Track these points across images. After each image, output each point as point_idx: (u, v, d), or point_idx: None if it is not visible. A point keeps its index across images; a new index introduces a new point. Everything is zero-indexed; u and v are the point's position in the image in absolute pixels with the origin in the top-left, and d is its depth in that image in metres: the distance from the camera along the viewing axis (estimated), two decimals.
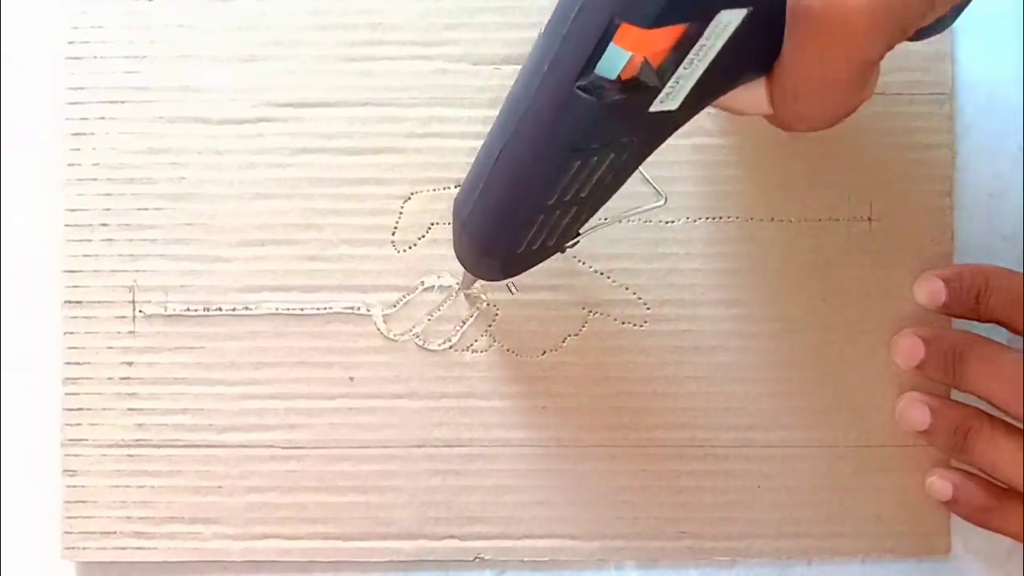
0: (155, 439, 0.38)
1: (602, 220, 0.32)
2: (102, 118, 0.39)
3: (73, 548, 0.38)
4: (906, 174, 0.39)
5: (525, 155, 0.27)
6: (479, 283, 0.38)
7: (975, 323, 0.38)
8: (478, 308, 0.39)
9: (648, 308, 0.39)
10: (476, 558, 0.38)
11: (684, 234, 0.39)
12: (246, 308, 0.39)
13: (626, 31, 0.23)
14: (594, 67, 0.24)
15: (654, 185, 0.35)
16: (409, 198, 0.39)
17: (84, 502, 0.38)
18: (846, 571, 0.39)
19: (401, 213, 0.39)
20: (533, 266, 0.33)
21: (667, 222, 0.39)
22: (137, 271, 0.39)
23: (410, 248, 0.39)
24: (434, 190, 0.39)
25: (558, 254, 0.32)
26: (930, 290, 0.37)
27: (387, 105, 0.39)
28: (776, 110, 0.28)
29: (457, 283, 0.39)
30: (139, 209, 0.39)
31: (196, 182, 0.39)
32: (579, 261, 0.39)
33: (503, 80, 0.39)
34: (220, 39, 0.39)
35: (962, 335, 0.37)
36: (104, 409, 0.38)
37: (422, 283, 0.39)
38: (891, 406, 0.38)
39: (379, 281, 0.39)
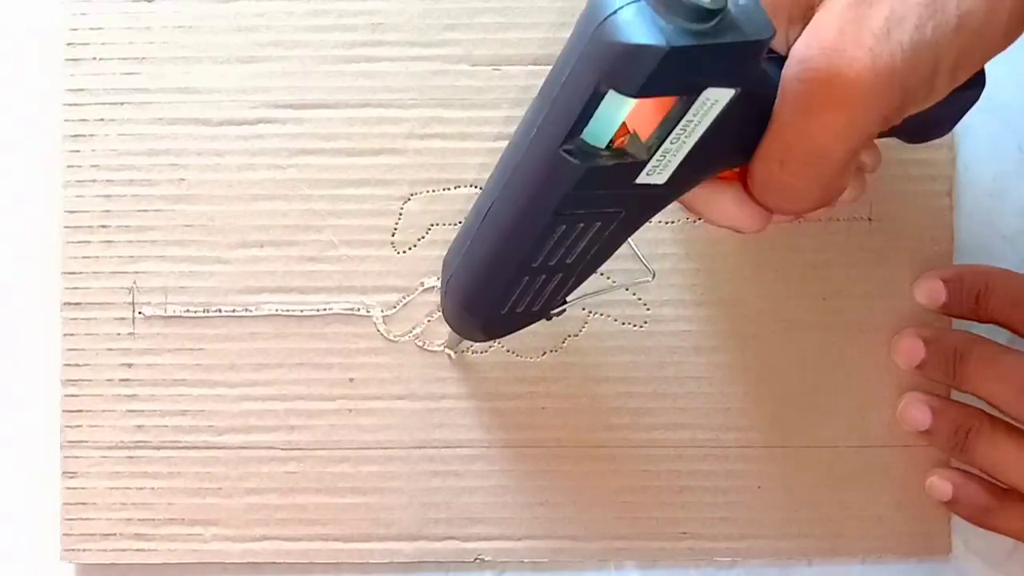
0: (155, 441, 0.38)
1: (589, 292, 0.32)
2: (101, 120, 0.39)
3: (73, 550, 0.38)
4: (906, 174, 0.39)
5: (512, 214, 0.27)
6: (464, 343, 0.38)
7: (975, 324, 0.37)
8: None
9: (648, 309, 0.39)
10: (476, 559, 0.38)
11: (684, 235, 0.39)
12: (246, 309, 0.39)
13: (613, 99, 0.23)
14: (581, 132, 0.24)
15: (643, 261, 0.35)
16: (408, 199, 0.39)
17: (84, 504, 0.38)
18: (846, 571, 0.39)
19: (401, 214, 0.39)
20: (517, 330, 0.33)
21: (667, 222, 0.39)
22: (137, 272, 0.39)
23: (410, 249, 0.39)
24: (433, 191, 0.39)
25: (544, 320, 0.32)
26: (930, 290, 0.37)
27: (386, 106, 0.39)
28: (756, 184, 0.27)
29: None
30: (138, 210, 0.39)
31: (196, 183, 0.39)
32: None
33: (502, 81, 0.39)
34: (219, 40, 0.39)
35: (962, 335, 0.37)
36: (104, 411, 0.38)
37: (422, 284, 0.39)
38: (891, 406, 0.38)
39: (379, 282, 0.39)
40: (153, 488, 0.38)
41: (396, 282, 0.39)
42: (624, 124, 0.25)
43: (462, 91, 0.39)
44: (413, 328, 0.39)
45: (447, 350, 0.39)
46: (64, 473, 0.38)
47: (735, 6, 0.22)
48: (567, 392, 0.39)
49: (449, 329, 0.36)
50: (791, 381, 0.39)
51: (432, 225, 0.39)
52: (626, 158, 0.25)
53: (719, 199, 0.28)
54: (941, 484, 0.38)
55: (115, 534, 0.38)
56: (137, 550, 0.38)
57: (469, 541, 0.38)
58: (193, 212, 0.39)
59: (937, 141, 0.38)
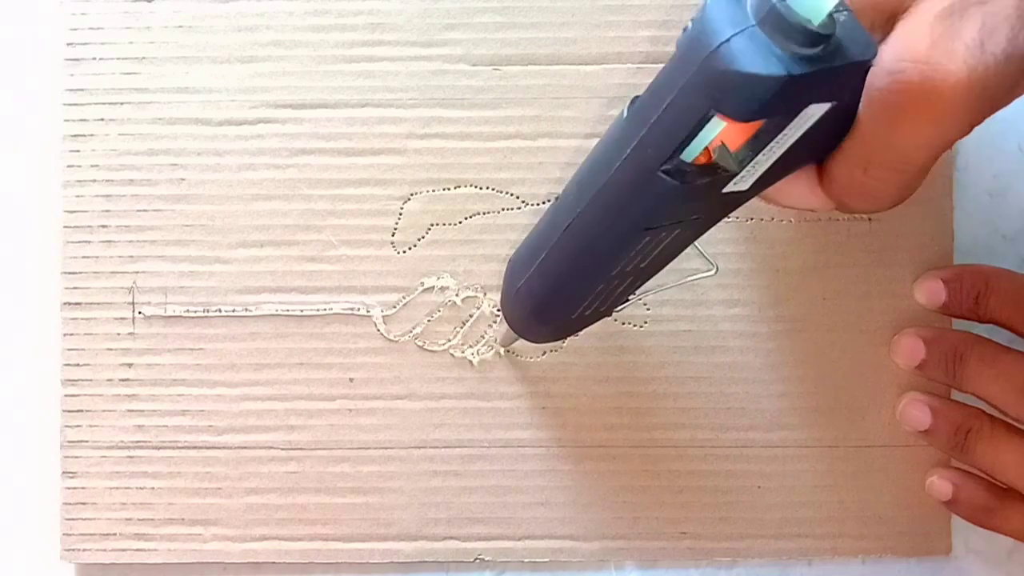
0: (155, 440, 0.38)
1: (654, 287, 0.32)
2: (101, 119, 0.39)
3: (73, 550, 0.38)
4: None
5: (596, 230, 0.28)
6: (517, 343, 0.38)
7: (975, 325, 0.37)
8: (476, 308, 0.39)
9: (648, 308, 0.39)
10: (476, 559, 0.38)
11: None
12: (246, 309, 0.39)
13: (718, 122, 0.23)
14: (680, 153, 0.25)
15: (706, 256, 0.35)
16: (409, 199, 0.39)
17: (84, 504, 0.38)
18: (846, 571, 0.39)
19: (401, 214, 0.39)
20: (581, 330, 0.33)
21: None
22: (136, 272, 0.39)
23: (410, 249, 0.39)
24: (433, 191, 0.39)
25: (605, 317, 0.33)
26: (930, 290, 0.37)
27: (386, 106, 0.39)
28: (836, 186, 0.27)
29: (457, 285, 0.39)
30: (138, 210, 0.39)
31: (195, 183, 0.39)
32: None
33: (502, 80, 0.39)
34: (219, 40, 0.39)
35: (963, 335, 0.37)
36: (104, 411, 0.38)
37: (422, 284, 0.39)
38: (892, 406, 0.38)
39: (379, 282, 0.39)
40: (153, 488, 0.38)
41: (396, 282, 0.39)
42: None
43: (462, 91, 0.39)
44: (413, 328, 0.39)
45: (499, 347, 0.39)
46: (64, 473, 0.38)
47: (839, 26, 0.23)
48: (567, 392, 0.39)
49: (506, 329, 0.36)
50: (791, 381, 0.39)
51: (432, 225, 0.39)
52: (719, 172, 0.25)
53: (792, 187, 0.29)
54: (941, 484, 0.38)
55: (115, 534, 0.38)
56: (137, 550, 0.38)
57: (469, 541, 0.38)
58: (193, 212, 0.39)
59: None
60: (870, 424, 0.39)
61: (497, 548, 0.38)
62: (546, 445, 0.39)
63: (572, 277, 0.30)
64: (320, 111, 0.39)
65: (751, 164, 0.25)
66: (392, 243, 0.39)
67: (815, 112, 0.24)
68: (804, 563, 0.39)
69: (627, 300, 0.32)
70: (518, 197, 0.39)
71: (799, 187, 0.28)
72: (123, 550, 0.38)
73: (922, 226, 0.39)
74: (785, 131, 0.24)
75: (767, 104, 0.22)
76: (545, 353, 0.39)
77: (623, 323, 0.39)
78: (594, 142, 0.38)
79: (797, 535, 0.38)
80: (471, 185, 0.39)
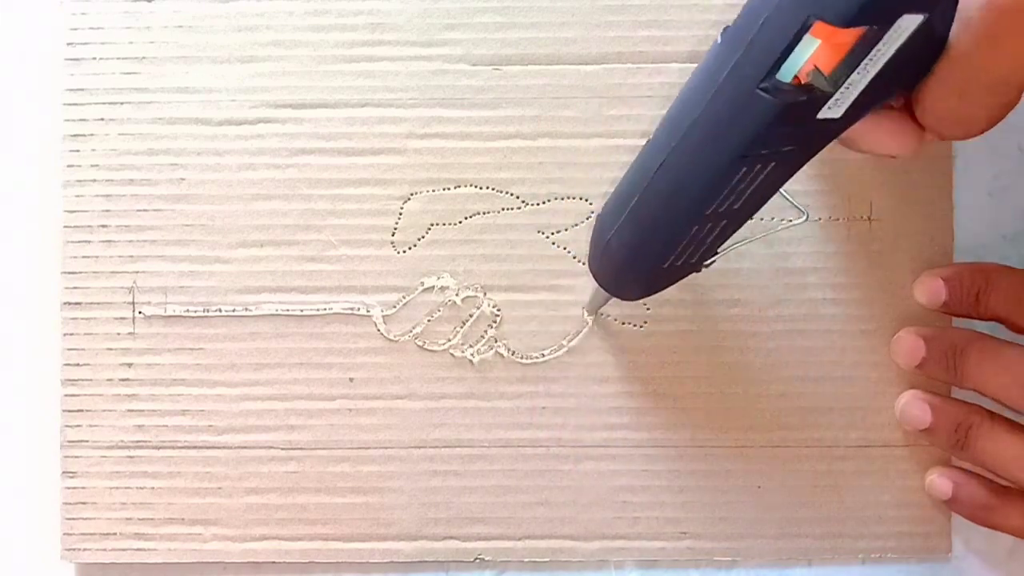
0: (155, 440, 0.38)
1: (742, 239, 0.32)
2: (101, 119, 0.39)
3: (73, 549, 0.38)
4: (906, 173, 0.39)
5: (692, 163, 0.28)
6: (605, 307, 0.38)
7: (976, 323, 0.37)
8: (476, 308, 0.39)
9: (648, 308, 0.39)
10: (476, 559, 0.38)
11: None
12: (246, 309, 0.39)
13: (818, 31, 0.24)
14: (779, 69, 0.25)
15: (794, 203, 0.35)
16: (409, 199, 0.39)
17: (84, 503, 0.38)
18: (847, 572, 0.39)
19: (401, 214, 0.39)
20: (670, 285, 0.33)
21: None
22: (136, 272, 0.39)
23: (410, 249, 0.39)
24: (434, 191, 0.39)
25: (694, 273, 0.33)
26: (930, 289, 0.37)
27: (386, 106, 0.39)
28: (930, 115, 0.28)
29: (457, 284, 0.39)
30: (138, 210, 0.39)
31: (195, 183, 0.39)
32: (579, 262, 0.39)
33: (502, 80, 0.39)
34: (219, 40, 0.39)
35: (962, 332, 0.37)
36: (104, 410, 0.38)
37: (422, 284, 0.39)
38: (891, 406, 0.38)
39: (379, 282, 0.39)
40: (153, 488, 0.38)
41: (396, 282, 0.39)
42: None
43: (462, 90, 0.39)
44: (413, 328, 0.39)
45: (586, 314, 0.38)
46: (64, 473, 0.38)
47: None
48: (567, 392, 0.39)
49: (594, 290, 0.36)
50: (791, 380, 0.39)
51: (432, 225, 0.39)
52: (815, 92, 0.25)
53: (876, 129, 0.29)
54: (941, 483, 0.38)
55: (115, 533, 0.38)
56: (137, 550, 0.38)
57: (469, 541, 0.38)
58: (193, 212, 0.39)
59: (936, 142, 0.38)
60: (870, 424, 0.39)
61: (497, 548, 0.38)
62: (546, 445, 0.39)
63: (666, 220, 0.29)
64: (320, 111, 0.39)
65: (845, 85, 0.25)
66: (392, 243, 0.39)
67: (908, 25, 0.24)
68: (804, 564, 0.39)
69: (716, 253, 0.32)
70: (518, 197, 0.39)
71: (883, 130, 0.29)
72: (123, 550, 0.38)
73: (922, 226, 0.39)
74: (878, 47, 0.24)
75: (865, 6, 0.23)
76: (545, 353, 0.39)
77: (623, 323, 0.39)
78: (595, 142, 0.38)
79: (797, 535, 0.38)
80: (471, 185, 0.39)
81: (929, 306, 0.38)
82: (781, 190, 0.30)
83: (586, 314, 0.39)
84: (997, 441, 0.36)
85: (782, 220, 0.38)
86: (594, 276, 0.34)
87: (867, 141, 0.29)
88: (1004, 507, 0.37)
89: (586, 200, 0.39)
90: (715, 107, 0.27)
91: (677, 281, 0.33)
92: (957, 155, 0.39)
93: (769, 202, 0.30)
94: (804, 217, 0.37)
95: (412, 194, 0.39)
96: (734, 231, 0.31)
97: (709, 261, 0.32)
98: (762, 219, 0.38)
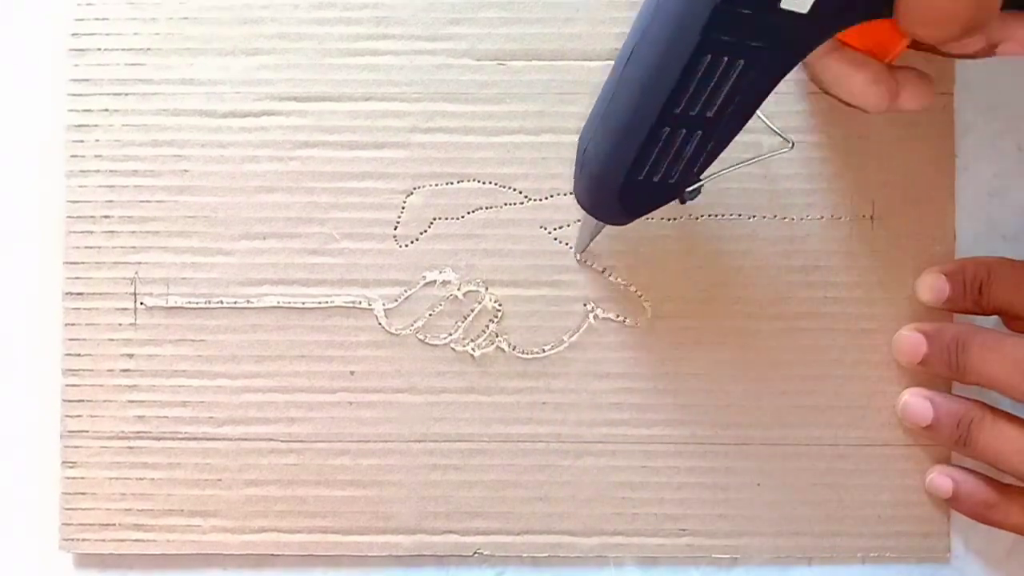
0: (155, 431, 0.38)
1: (724, 169, 0.32)
2: (105, 110, 0.39)
3: (71, 540, 0.38)
4: (908, 173, 0.39)
5: (655, 52, 0.28)
6: (593, 243, 0.37)
7: (977, 318, 0.38)
8: (477, 302, 0.39)
9: (649, 305, 0.39)
10: (475, 553, 0.38)
11: (686, 231, 0.39)
12: (247, 301, 0.39)
13: None
14: None
15: (778, 131, 0.35)
16: (411, 193, 0.39)
17: (83, 494, 0.38)
18: (846, 571, 0.39)
19: (403, 208, 0.39)
20: (653, 208, 0.33)
21: (669, 219, 0.39)
22: (139, 263, 0.39)
23: (412, 243, 0.39)
24: (436, 185, 0.39)
25: (678, 203, 0.32)
26: (933, 286, 0.37)
27: (390, 100, 0.39)
28: (909, 12, 0.28)
29: (459, 279, 0.39)
30: (141, 201, 0.39)
31: (199, 175, 0.39)
32: (583, 260, 0.39)
33: (506, 75, 0.39)
34: (224, 32, 0.39)
35: (963, 325, 0.37)
36: (104, 401, 0.38)
37: (424, 278, 0.39)
38: (892, 405, 0.39)
39: (380, 275, 0.39)
40: (153, 479, 0.38)
41: (398, 275, 0.39)
42: None
43: (466, 85, 0.39)
44: (414, 322, 0.39)
45: (576, 254, 0.38)
46: (64, 463, 0.38)
47: None
48: (567, 387, 0.39)
49: (581, 226, 0.36)
50: (791, 379, 0.39)
51: (435, 219, 0.39)
52: None
53: (852, 77, 0.30)
54: (941, 481, 0.38)
55: (114, 524, 0.38)
56: (136, 540, 0.38)
57: (468, 535, 0.38)
58: (196, 203, 0.39)
59: (939, 140, 0.39)
60: (870, 423, 0.39)
61: (496, 543, 0.38)
62: (546, 440, 0.39)
63: (634, 118, 0.29)
64: (324, 104, 0.39)
65: None
66: (394, 237, 0.39)
67: None
68: (804, 563, 0.39)
69: (699, 180, 0.32)
70: (521, 192, 0.39)
71: (857, 80, 0.30)
72: (122, 540, 0.38)
73: (924, 225, 0.39)
74: None
75: None
76: (546, 348, 0.39)
77: (624, 319, 0.39)
78: None
79: (796, 533, 0.38)
80: (474, 180, 0.39)
81: (932, 303, 0.38)
82: (761, 115, 0.30)
83: (576, 254, 0.38)
84: (1000, 435, 0.36)
85: (768, 153, 0.37)
86: (577, 200, 0.34)
87: (843, 88, 0.30)
88: (1005, 504, 0.37)
89: None
90: None
91: (660, 205, 0.33)
92: (958, 155, 0.39)
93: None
94: (790, 145, 0.35)
95: (415, 188, 0.39)
96: (714, 151, 0.31)
97: (691, 189, 0.32)
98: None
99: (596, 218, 0.34)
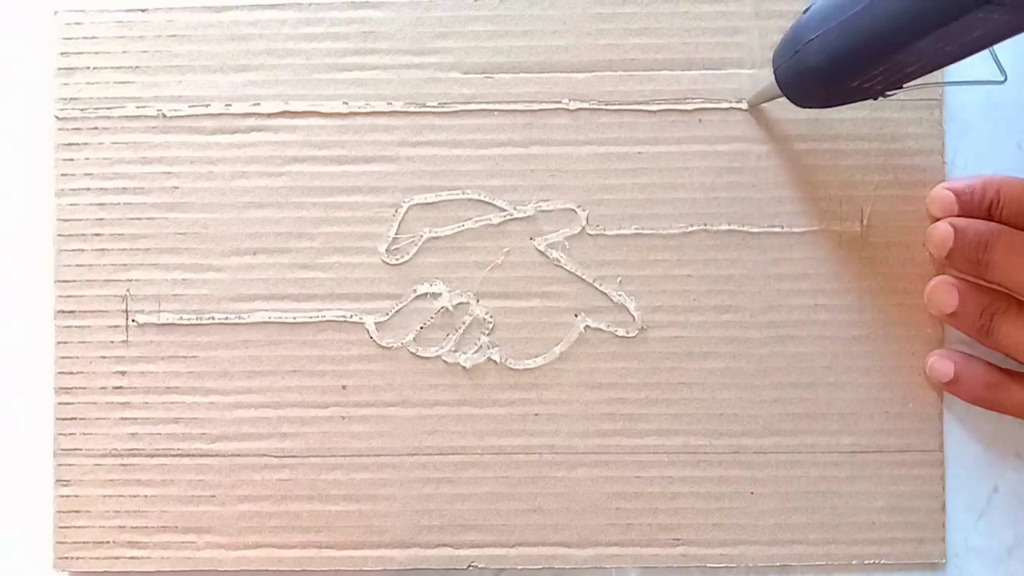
0: (148, 448, 0.39)
1: (931, 82, 0.32)
2: (95, 128, 0.39)
3: (66, 558, 0.38)
4: (898, 180, 0.39)
5: None
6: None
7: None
8: (469, 315, 0.39)
9: (640, 315, 0.39)
10: (469, 566, 0.38)
11: (676, 241, 0.39)
12: (239, 317, 0.39)
13: None
14: None
15: (1000, 64, 0.34)
16: (401, 206, 0.39)
17: (77, 512, 0.38)
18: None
19: (393, 221, 0.39)
20: (844, 104, 0.33)
21: (662, 232, 0.39)
22: (130, 280, 0.39)
23: (402, 257, 0.39)
24: (426, 198, 0.39)
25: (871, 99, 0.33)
26: (942, 199, 0.37)
27: (378, 114, 0.39)
28: None
29: (449, 292, 0.39)
30: (131, 219, 0.39)
31: (188, 191, 0.39)
32: (573, 272, 0.39)
33: (494, 88, 0.39)
34: (212, 49, 0.39)
35: (991, 225, 0.37)
36: (97, 418, 0.38)
37: (414, 291, 0.39)
38: (884, 412, 0.39)
39: (371, 289, 0.39)
40: (146, 496, 0.38)
41: (389, 289, 0.39)
42: None
43: (454, 98, 0.39)
44: (406, 335, 0.39)
45: (747, 104, 0.38)
46: (57, 481, 0.38)
47: None
48: (560, 398, 0.39)
49: (767, 84, 0.35)
50: (783, 387, 0.39)
51: (424, 232, 0.39)
52: None
53: None
54: (942, 364, 0.38)
55: (108, 542, 0.38)
56: (130, 558, 0.38)
57: (462, 548, 0.38)
58: (186, 220, 0.39)
59: (928, 147, 0.39)
60: (862, 430, 0.39)
61: (490, 555, 0.38)
62: (539, 452, 0.39)
63: (881, 41, 0.29)
64: (312, 119, 0.39)
65: None
66: (385, 250, 0.39)
67: None
68: (799, 572, 0.39)
69: (902, 87, 0.32)
70: (510, 203, 0.39)
71: None
72: (116, 558, 0.38)
73: (913, 232, 0.39)
74: None
75: None
76: (538, 359, 0.39)
77: (616, 329, 0.39)
78: (586, 149, 0.38)
79: (790, 541, 0.38)
80: (463, 192, 0.39)
81: (939, 214, 0.38)
82: (992, 48, 0.29)
83: (747, 104, 0.38)
84: (1021, 327, 0.36)
85: (978, 80, 0.36)
86: (775, 72, 0.34)
87: None
88: (1006, 385, 0.37)
89: (579, 207, 0.39)
90: None
91: (852, 102, 0.33)
92: (957, 153, 0.39)
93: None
94: (1003, 78, 0.34)
95: (405, 202, 0.39)
96: (930, 71, 0.31)
97: (891, 92, 0.32)
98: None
99: (788, 97, 0.34)
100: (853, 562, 0.39)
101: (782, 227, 0.39)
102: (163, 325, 0.39)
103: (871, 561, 0.38)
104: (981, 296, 0.37)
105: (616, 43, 0.39)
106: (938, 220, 0.38)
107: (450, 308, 0.39)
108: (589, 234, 0.39)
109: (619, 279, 0.39)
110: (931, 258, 0.38)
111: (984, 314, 0.37)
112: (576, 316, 0.39)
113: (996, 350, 0.37)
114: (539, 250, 0.39)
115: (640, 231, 0.39)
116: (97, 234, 0.39)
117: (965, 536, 0.39)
